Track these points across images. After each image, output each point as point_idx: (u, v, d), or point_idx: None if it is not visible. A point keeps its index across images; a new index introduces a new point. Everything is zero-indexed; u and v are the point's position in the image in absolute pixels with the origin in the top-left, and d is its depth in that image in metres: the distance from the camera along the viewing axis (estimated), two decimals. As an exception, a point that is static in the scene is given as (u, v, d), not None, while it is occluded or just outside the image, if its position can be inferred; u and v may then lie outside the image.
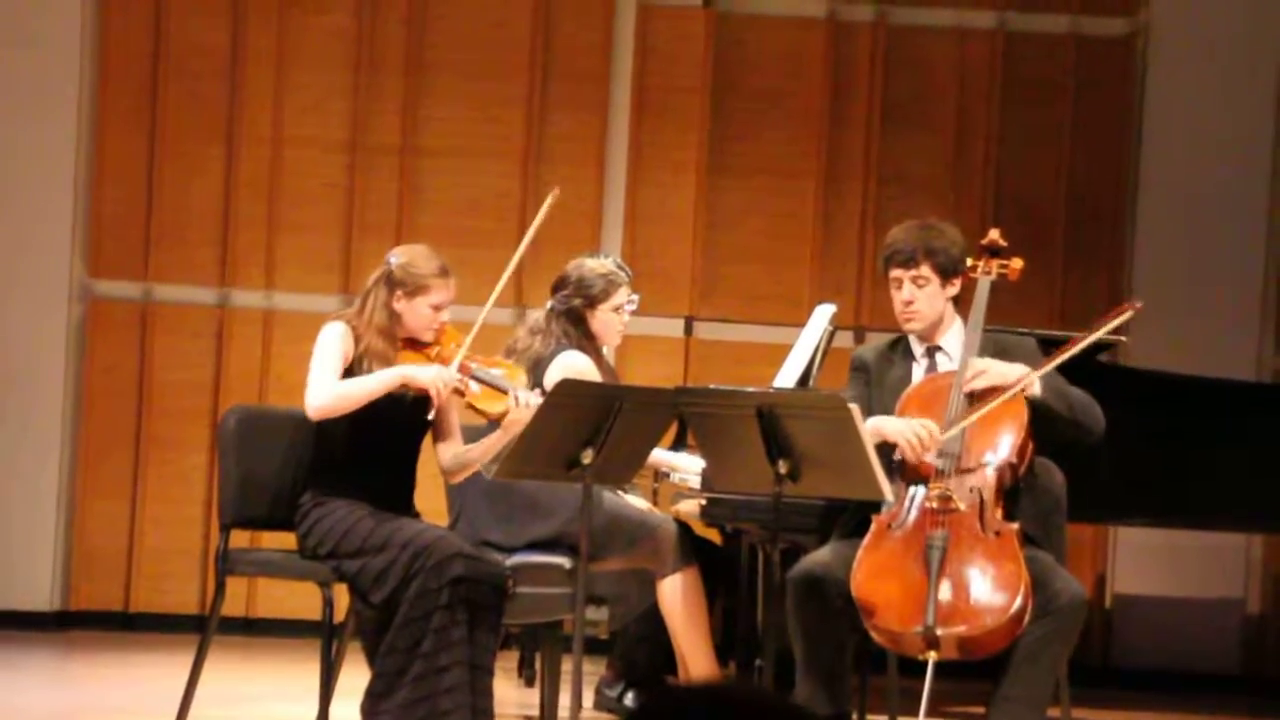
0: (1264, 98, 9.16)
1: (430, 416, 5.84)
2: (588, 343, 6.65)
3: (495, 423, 5.93)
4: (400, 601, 5.74)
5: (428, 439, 6.06)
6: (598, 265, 6.79)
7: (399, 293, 5.94)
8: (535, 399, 5.88)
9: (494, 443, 5.96)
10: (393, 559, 5.76)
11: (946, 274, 5.86)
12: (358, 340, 5.92)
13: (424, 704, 5.70)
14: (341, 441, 5.90)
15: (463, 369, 5.89)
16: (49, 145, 9.02)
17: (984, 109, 9.22)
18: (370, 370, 5.87)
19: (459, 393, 5.89)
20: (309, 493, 5.95)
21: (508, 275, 6.03)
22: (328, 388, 5.84)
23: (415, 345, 5.98)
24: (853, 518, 5.86)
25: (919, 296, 5.85)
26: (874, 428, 5.65)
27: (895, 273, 5.88)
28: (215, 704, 6.64)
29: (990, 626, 5.44)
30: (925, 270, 5.85)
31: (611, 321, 6.73)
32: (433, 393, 5.81)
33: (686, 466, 6.87)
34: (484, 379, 5.92)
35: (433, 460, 6.20)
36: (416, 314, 5.96)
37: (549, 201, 6.02)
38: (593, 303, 6.70)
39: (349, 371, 5.90)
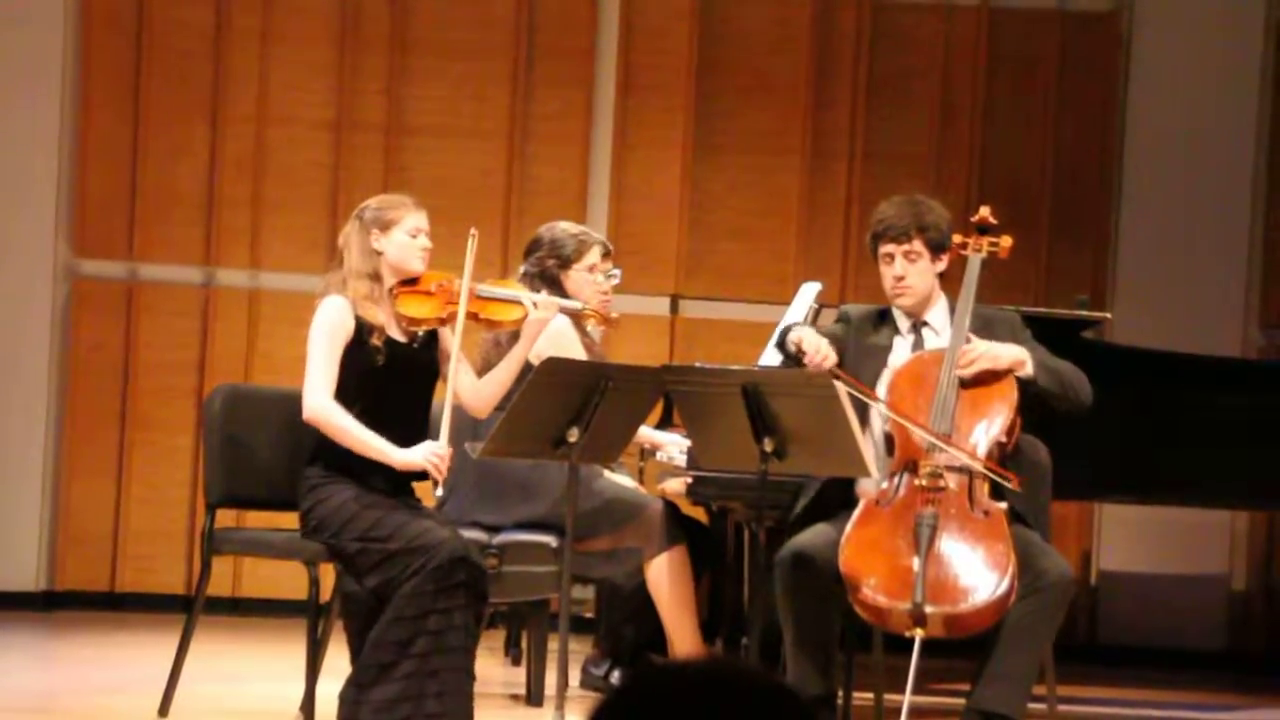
0: (1249, 73, 9.16)
1: (439, 493, 5.85)
2: None
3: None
4: (394, 592, 5.70)
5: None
6: (569, 226, 6.80)
7: (375, 232, 5.93)
8: (548, 299, 5.91)
9: (518, 355, 5.95)
10: (394, 552, 5.70)
11: (937, 249, 5.87)
12: (355, 304, 5.88)
13: (410, 703, 5.66)
14: (356, 412, 5.84)
15: (472, 292, 5.88)
16: (33, 124, 9.00)
17: (969, 86, 9.22)
18: (371, 321, 5.83)
19: (473, 316, 5.88)
20: (316, 466, 5.89)
21: (462, 315, 5.94)
22: (327, 402, 5.78)
23: (411, 285, 5.94)
24: (804, 496, 5.87)
25: (910, 272, 5.86)
26: (798, 335, 5.69)
27: (886, 248, 5.88)
28: (201, 683, 6.64)
29: (978, 605, 5.45)
30: (917, 245, 5.85)
31: (585, 281, 6.70)
32: (430, 469, 5.77)
33: (672, 444, 6.87)
34: (493, 295, 5.94)
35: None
36: (397, 245, 5.94)
37: (472, 245, 5.93)
38: (566, 263, 6.69)
39: (357, 343, 5.84)
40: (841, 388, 5.47)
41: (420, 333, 5.93)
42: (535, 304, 5.91)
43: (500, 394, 6.02)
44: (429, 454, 5.76)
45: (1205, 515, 8.78)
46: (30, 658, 7.99)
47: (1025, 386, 5.74)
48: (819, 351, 5.65)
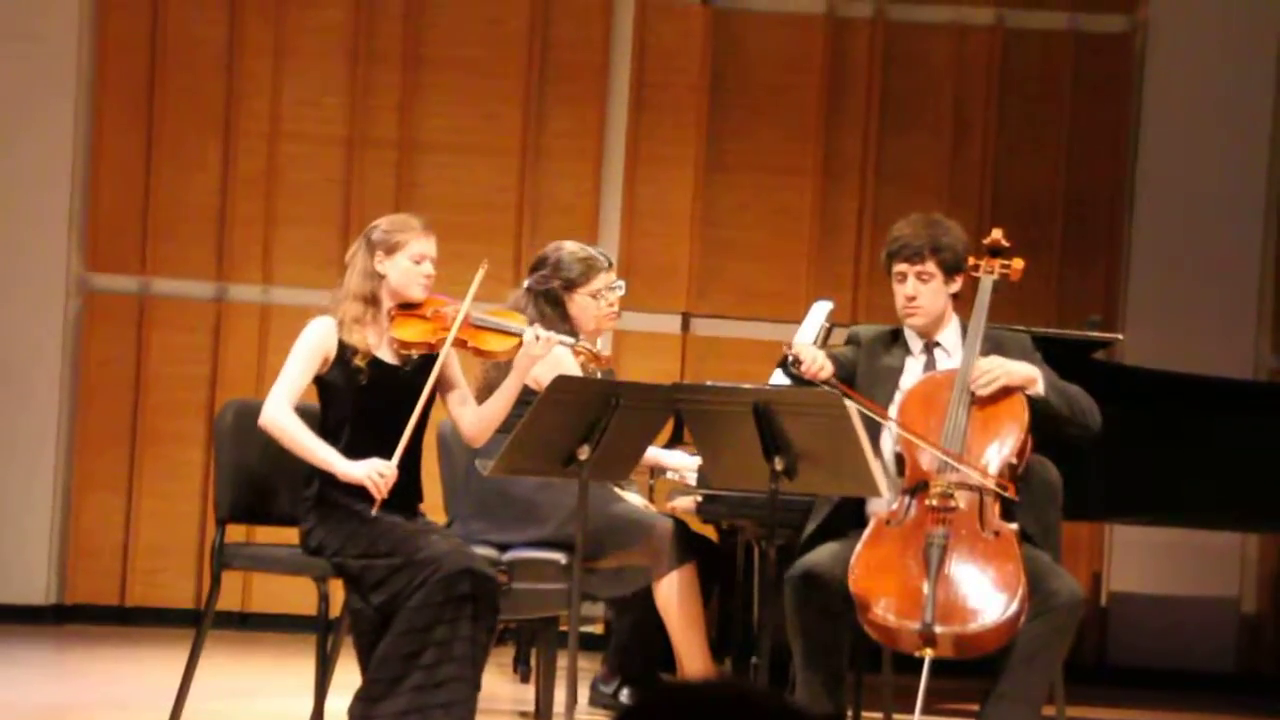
0: (1261, 95, 9.16)
1: (374, 512, 5.74)
2: (564, 325, 6.61)
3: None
4: (400, 607, 5.69)
5: (429, 438, 6.03)
6: (577, 249, 6.76)
7: (379, 253, 5.91)
8: (545, 334, 5.86)
9: (512, 388, 5.93)
10: (399, 565, 5.70)
11: (951, 271, 5.86)
12: (341, 325, 5.88)
13: (418, 715, 5.65)
14: (346, 433, 5.85)
15: (466, 320, 5.86)
16: (46, 139, 9.02)
17: (982, 106, 9.22)
18: (353, 343, 5.82)
19: (462, 344, 5.87)
20: (315, 486, 5.90)
21: (470, 298, 5.92)
22: (281, 413, 5.79)
23: (408, 309, 5.93)
24: (815, 516, 5.86)
25: (923, 292, 5.85)
26: (797, 347, 5.70)
27: (900, 267, 5.87)
28: (211, 698, 6.64)
29: (987, 626, 5.44)
30: (931, 266, 5.84)
31: (588, 306, 6.68)
32: (370, 486, 5.72)
33: (681, 464, 6.87)
34: (488, 325, 5.91)
35: (431, 457, 6.19)
36: (400, 270, 5.91)
37: (480, 273, 5.91)
38: (571, 286, 6.66)
39: (340, 364, 5.85)
40: (852, 406, 5.47)
41: (413, 356, 5.92)
42: (535, 338, 5.87)
43: (495, 424, 6.00)
44: (371, 470, 5.73)
45: (1216, 537, 8.77)
46: (40, 671, 8.00)
47: (1034, 408, 5.74)
48: (815, 362, 5.65)
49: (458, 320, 5.84)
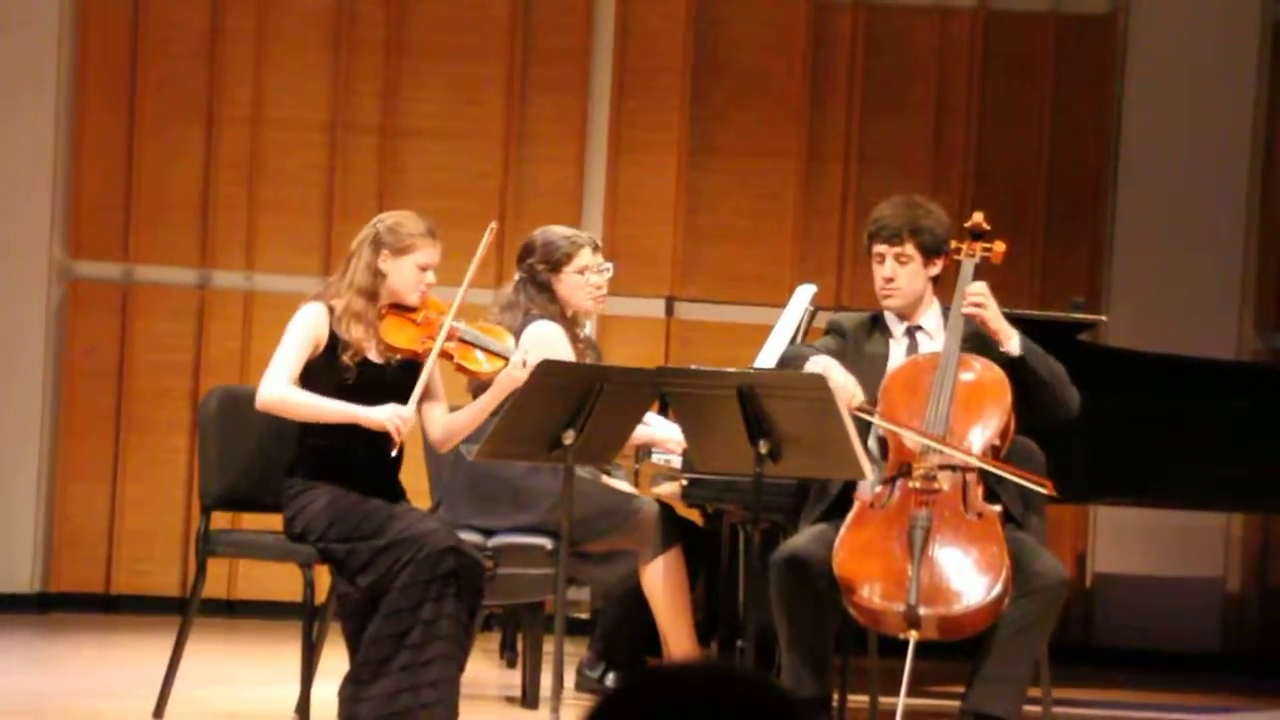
0: (1244, 76, 9.17)
1: (394, 453, 5.78)
2: (554, 308, 6.63)
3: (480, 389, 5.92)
4: (387, 589, 5.70)
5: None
6: (560, 229, 6.80)
7: (385, 252, 5.90)
8: (533, 358, 5.84)
9: (486, 403, 5.92)
10: (383, 546, 5.72)
11: (930, 253, 5.87)
12: (332, 311, 5.88)
13: (407, 694, 5.67)
14: (325, 427, 5.85)
15: (451, 332, 5.86)
16: (28, 127, 8.99)
17: (964, 88, 9.22)
18: (348, 338, 5.82)
19: (447, 356, 5.86)
20: (296, 475, 5.90)
21: (456, 306, 5.92)
22: (281, 388, 5.80)
23: (400, 310, 5.93)
24: (819, 499, 5.86)
25: (900, 273, 5.86)
26: (825, 367, 5.66)
27: (879, 248, 5.89)
28: (196, 685, 6.64)
29: (971, 607, 5.45)
30: (909, 248, 5.85)
31: (577, 284, 6.69)
32: (390, 430, 5.74)
33: (669, 435, 6.84)
34: (475, 341, 5.91)
35: (415, 440, 6.18)
36: (403, 273, 5.91)
37: (487, 236, 5.93)
38: (557, 266, 6.68)
39: (329, 354, 5.86)
40: (836, 388, 5.47)
41: (396, 358, 5.91)
42: (522, 363, 5.83)
43: (462, 436, 6.00)
44: (393, 415, 5.74)
45: (1200, 518, 8.78)
46: (25, 660, 7.99)
47: (1012, 375, 5.73)
48: (845, 390, 5.61)
49: (441, 334, 5.83)
